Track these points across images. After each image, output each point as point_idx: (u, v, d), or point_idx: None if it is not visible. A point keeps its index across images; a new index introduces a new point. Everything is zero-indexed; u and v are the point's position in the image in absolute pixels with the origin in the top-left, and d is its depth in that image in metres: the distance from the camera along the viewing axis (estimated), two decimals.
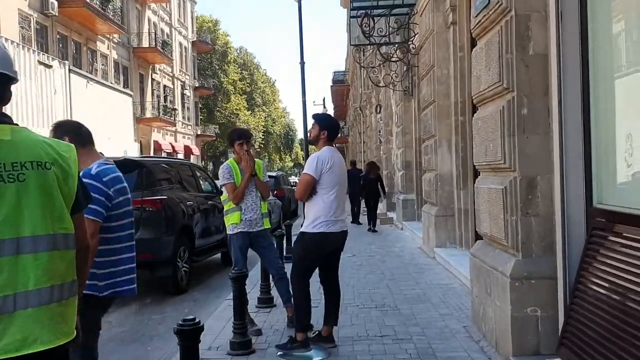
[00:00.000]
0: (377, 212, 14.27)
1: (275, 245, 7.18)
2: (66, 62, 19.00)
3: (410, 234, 11.82)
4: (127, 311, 6.53)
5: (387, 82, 13.53)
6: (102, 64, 29.49)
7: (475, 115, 4.71)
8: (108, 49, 30.13)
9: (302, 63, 14.51)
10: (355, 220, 15.40)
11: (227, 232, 5.09)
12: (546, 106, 3.82)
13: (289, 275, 4.70)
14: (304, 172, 4.38)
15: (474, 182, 8.29)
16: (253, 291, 6.34)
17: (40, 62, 16.31)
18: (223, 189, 5.09)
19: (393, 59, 12.04)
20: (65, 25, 25.28)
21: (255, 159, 5.22)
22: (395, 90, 13.68)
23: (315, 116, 4.66)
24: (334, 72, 49.20)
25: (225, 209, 5.09)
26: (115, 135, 21.01)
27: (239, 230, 4.95)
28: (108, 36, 29.76)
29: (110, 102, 21.87)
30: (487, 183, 4.37)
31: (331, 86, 46.03)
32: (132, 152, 23.49)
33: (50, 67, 16.90)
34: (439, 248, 8.56)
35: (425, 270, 7.76)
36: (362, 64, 15.93)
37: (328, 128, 4.46)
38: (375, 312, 5.51)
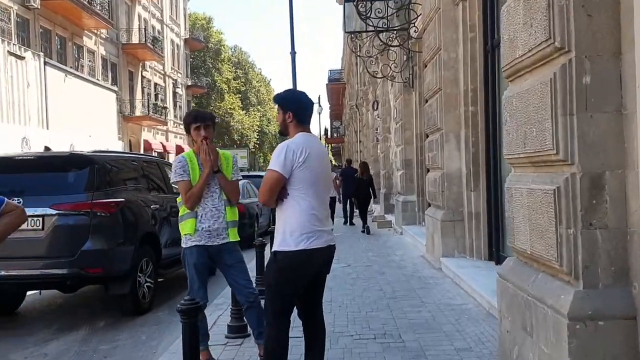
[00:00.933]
0: (375, 214, 13.52)
1: (255, 260, 6.09)
2: (41, 54, 17.75)
3: (411, 240, 10.70)
4: (72, 338, 5.34)
5: (386, 73, 12.51)
6: (89, 60, 28.42)
7: (506, 92, 3.56)
8: (95, 44, 29.06)
9: (293, 53, 13.38)
10: (349, 221, 14.96)
11: (182, 245, 3.92)
12: (617, 72, 2.69)
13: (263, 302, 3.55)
14: (268, 167, 3.14)
15: (487, 182, 7.39)
16: (224, 315, 5.21)
17: (10, 53, 15.07)
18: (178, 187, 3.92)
19: (393, 44, 10.93)
20: (49, 18, 24.21)
21: (222, 151, 4.08)
22: (394, 83, 12.68)
23: (274, 98, 3.37)
24: (330, 70, 48.08)
25: (179, 215, 3.93)
26: (98, 133, 19.89)
27: (194, 243, 3.78)
28: (95, 31, 28.75)
29: (91, 98, 20.69)
30: (527, 182, 3.22)
31: (327, 84, 45.00)
32: None
33: (22, 58, 15.68)
34: (445, 258, 7.47)
35: (432, 286, 6.64)
36: (358, 54, 14.81)
37: (292, 106, 3.21)
38: (374, 346, 4.36)
